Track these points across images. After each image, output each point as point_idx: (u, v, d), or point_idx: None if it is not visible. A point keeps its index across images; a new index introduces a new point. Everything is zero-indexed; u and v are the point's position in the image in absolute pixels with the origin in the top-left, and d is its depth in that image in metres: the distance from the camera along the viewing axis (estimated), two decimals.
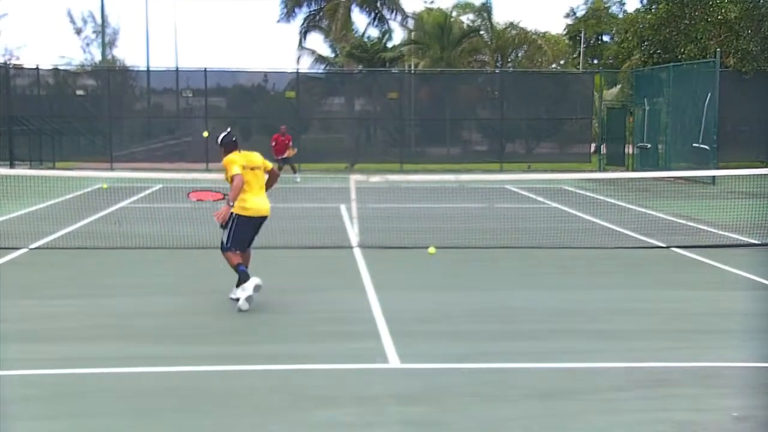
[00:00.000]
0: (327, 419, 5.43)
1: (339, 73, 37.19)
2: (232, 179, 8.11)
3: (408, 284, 9.67)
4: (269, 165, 8.67)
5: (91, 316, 7.96)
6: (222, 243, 8.27)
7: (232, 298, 8.27)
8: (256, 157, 8.50)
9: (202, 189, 9.83)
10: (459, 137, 30.89)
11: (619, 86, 35.92)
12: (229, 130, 8.62)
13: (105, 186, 19.37)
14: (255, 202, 8.28)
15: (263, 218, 8.43)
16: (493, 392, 5.96)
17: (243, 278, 8.08)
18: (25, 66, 30.85)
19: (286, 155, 22.76)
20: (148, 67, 37.77)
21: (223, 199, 8.65)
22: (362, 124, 30.66)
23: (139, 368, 6.37)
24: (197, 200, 9.39)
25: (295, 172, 23.47)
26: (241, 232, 8.25)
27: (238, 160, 8.20)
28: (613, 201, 18.00)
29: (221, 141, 8.42)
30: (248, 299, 7.96)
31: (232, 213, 8.15)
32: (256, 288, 7.99)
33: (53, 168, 25.49)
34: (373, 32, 44.27)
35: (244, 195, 8.19)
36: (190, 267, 10.52)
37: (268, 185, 8.64)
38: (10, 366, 6.37)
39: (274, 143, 22.88)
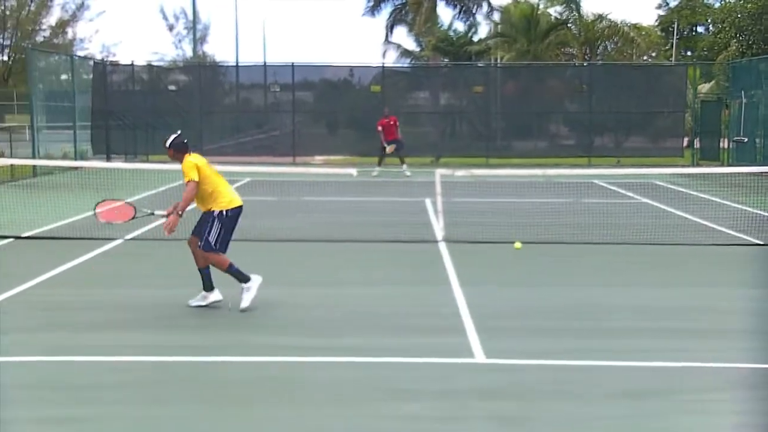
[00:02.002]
0: (411, 412, 5.46)
1: (424, 67, 37.12)
2: (187, 184, 7.62)
3: (493, 279, 9.61)
4: None
5: (168, 306, 8.16)
6: (206, 242, 7.73)
7: (191, 305, 7.89)
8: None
9: (111, 200, 8.98)
10: (546, 131, 30.48)
11: (714, 80, 34.76)
12: (179, 132, 8.02)
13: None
14: (234, 193, 7.94)
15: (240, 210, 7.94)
16: (578, 390, 5.88)
17: (242, 278, 7.77)
18: (121, 62, 31.84)
19: (388, 149, 22.59)
20: (237, 63, 38.60)
21: (134, 218, 8.36)
22: (447, 117, 30.53)
23: (227, 357, 6.54)
24: (107, 221, 8.66)
25: (402, 163, 22.91)
26: (228, 230, 7.81)
27: (199, 164, 7.72)
28: (706, 197, 17.47)
29: (170, 143, 7.85)
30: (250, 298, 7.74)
31: (214, 211, 7.74)
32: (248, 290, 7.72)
33: (147, 161, 26.27)
34: (459, 26, 44.15)
35: (222, 189, 7.83)
36: (281, 258, 10.63)
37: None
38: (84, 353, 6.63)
39: (380, 128, 22.79)
